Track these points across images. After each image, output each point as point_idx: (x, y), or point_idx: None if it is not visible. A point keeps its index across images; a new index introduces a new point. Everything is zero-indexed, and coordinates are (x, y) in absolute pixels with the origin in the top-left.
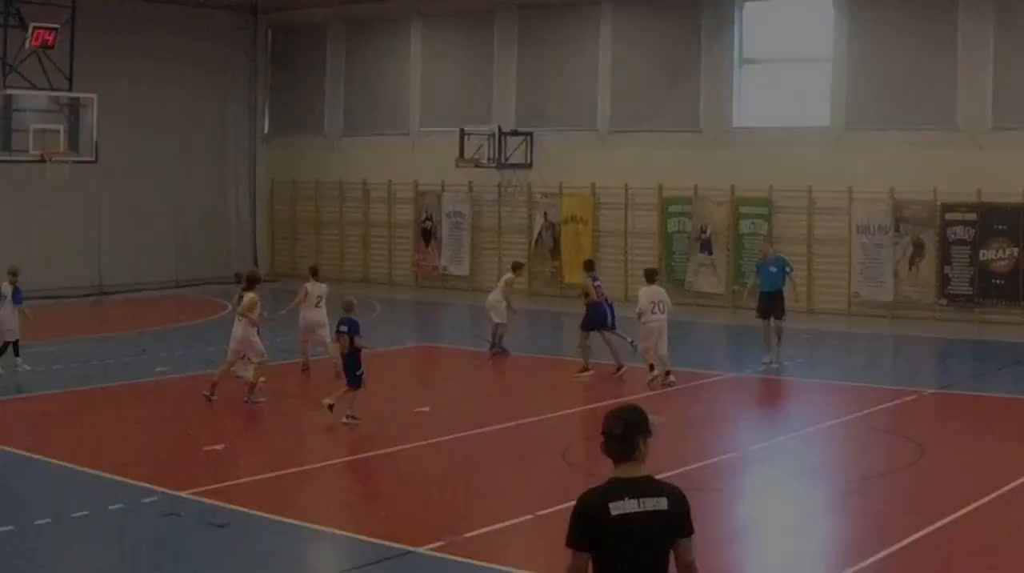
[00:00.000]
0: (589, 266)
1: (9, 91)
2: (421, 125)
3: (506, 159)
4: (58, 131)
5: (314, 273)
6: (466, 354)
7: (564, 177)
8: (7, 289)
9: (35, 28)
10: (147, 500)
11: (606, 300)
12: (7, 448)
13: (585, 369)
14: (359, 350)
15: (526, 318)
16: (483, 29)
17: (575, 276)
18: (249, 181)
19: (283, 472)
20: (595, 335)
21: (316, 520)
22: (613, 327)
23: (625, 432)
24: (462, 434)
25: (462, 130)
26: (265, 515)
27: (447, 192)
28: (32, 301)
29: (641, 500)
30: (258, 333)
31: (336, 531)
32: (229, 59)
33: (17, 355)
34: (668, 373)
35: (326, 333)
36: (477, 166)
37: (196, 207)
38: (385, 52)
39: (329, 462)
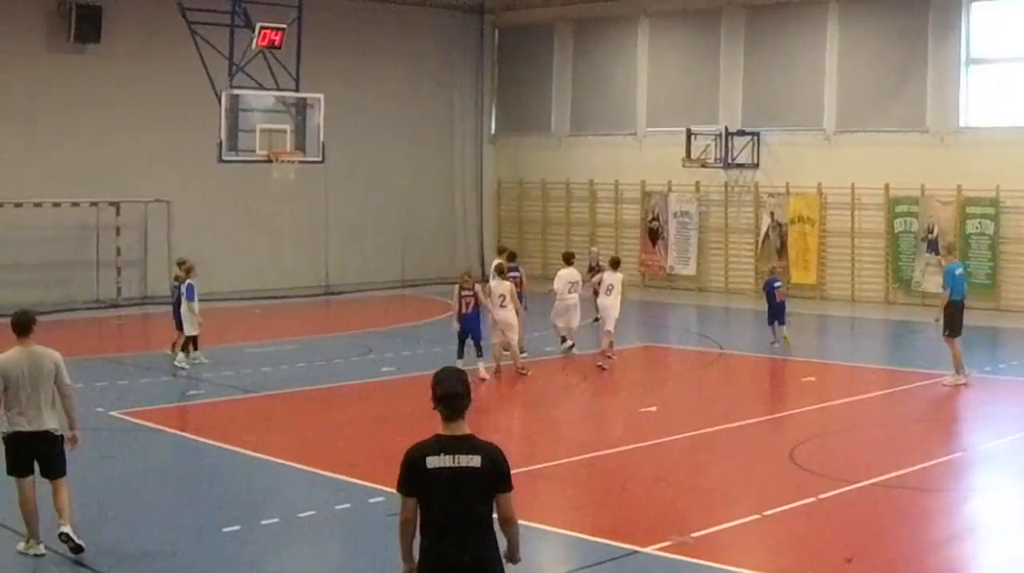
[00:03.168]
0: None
1: (236, 91)
2: (648, 125)
3: (733, 159)
4: (284, 131)
5: (500, 272)
6: (693, 354)
7: (791, 177)
8: (183, 287)
9: (262, 28)
10: (373, 500)
11: None
12: (234, 448)
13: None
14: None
15: (753, 317)
16: (710, 28)
17: (803, 276)
18: (476, 181)
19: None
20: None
21: (542, 520)
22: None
23: (465, 391)
24: (688, 434)
25: (689, 130)
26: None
27: (674, 192)
28: (260, 301)
29: (456, 457)
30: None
31: (562, 531)
32: (455, 59)
33: (184, 351)
34: (572, 345)
35: (514, 335)
36: (704, 166)
37: (422, 207)
38: (612, 51)
39: (555, 462)
